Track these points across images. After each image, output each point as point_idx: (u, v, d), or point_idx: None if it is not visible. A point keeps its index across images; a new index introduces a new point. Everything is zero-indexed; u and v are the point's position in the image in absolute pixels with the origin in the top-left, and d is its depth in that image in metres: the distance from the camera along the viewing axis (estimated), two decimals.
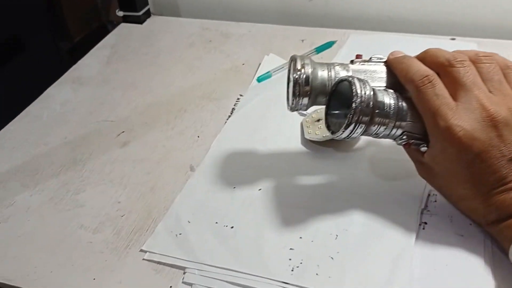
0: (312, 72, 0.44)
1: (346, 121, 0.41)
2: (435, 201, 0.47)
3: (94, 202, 0.52)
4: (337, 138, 0.43)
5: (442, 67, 0.41)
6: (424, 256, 0.42)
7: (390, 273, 0.41)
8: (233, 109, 0.64)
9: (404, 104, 0.42)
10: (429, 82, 0.40)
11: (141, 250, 0.46)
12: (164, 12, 0.91)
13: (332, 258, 0.43)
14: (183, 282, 0.43)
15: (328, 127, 0.45)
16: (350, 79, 0.41)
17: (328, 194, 0.50)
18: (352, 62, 0.46)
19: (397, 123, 0.42)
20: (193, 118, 0.63)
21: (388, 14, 0.81)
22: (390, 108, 0.41)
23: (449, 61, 0.41)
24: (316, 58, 0.73)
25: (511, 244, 0.38)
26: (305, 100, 0.45)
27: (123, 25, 0.87)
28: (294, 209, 0.48)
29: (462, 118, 0.39)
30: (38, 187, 0.55)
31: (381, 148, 0.54)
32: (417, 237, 0.44)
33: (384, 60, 0.46)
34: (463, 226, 0.44)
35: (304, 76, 0.44)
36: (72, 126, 0.63)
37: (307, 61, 0.45)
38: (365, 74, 0.45)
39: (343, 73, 0.45)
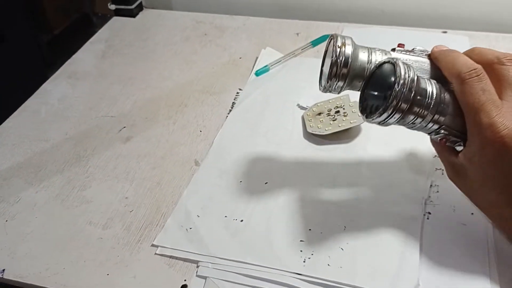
0: (352, 53, 0.41)
1: (385, 104, 0.38)
2: (437, 191, 0.49)
3: (101, 198, 0.52)
4: (371, 122, 0.41)
5: (490, 64, 0.40)
6: (429, 245, 0.44)
7: (399, 261, 0.43)
8: (233, 103, 0.64)
9: (446, 96, 0.40)
10: (476, 76, 0.38)
11: (153, 245, 0.47)
12: (156, 5, 0.90)
13: (342, 249, 0.44)
14: (197, 276, 0.44)
15: (363, 110, 0.42)
16: (395, 60, 0.39)
17: (333, 186, 0.51)
18: (393, 50, 0.44)
19: (436, 116, 0.39)
20: (194, 113, 0.63)
21: (381, 8, 0.82)
22: (432, 97, 0.39)
23: (499, 58, 0.40)
24: (312, 51, 0.74)
25: None
26: (341, 83, 0.42)
27: (115, 18, 0.87)
28: (301, 202, 0.49)
29: (506, 117, 0.37)
30: (43, 184, 0.54)
31: (384, 140, 0.55)
32: (422, 227, 0.46)
33: (427, 53, 0.44)
34: (465, 216, 0.46)
35: (343, 57, 0.41)
36: (72, 122, 0.63)
37: (348, 41, 0.42)
38: (410, 61, 0.42)
39: (384, 58, 0.42)
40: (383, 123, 0.40)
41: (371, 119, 0.40)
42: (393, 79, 0.38)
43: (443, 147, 0.43)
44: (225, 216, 0.49)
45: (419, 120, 0.40)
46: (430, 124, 0.40)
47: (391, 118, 0.39)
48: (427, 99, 0.39)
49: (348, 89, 0.44)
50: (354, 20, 0.81)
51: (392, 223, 0.46)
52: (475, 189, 0.41)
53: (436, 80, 0.41)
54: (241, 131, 0.59)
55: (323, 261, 0.43)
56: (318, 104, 0.60)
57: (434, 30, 0.77)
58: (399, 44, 0.44)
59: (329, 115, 0.58)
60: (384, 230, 0.46)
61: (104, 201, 0.52)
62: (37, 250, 0.47)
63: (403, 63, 0.39)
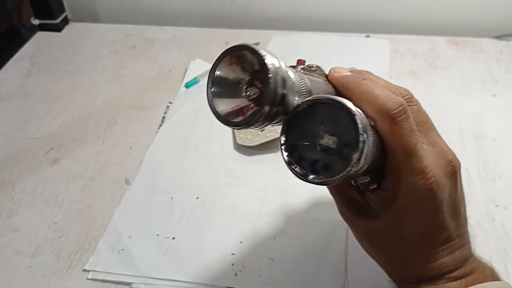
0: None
1: (348, 166, 0.30)
2: None
3: (29, 225, 0.51)
4: (316, 183, 0.31)
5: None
6: (354, 249, 0.45)
7: (326, 266, 0.45)
8: (163, 117, 0.64)
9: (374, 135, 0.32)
10: (405, 114, 0.32)
11: (84, 270, 0.46)
12: (82, 18, 0.89)
13: (272, 259, 0.46)
14: None
15: (290, 163, 0.32)
16: (345, 103, 0.30)
17: (264, 196, 0.52)
18: (294, 67, 0.35)
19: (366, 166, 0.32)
20: (124, 130, 0.63)
21: (308, 14, 0.84)
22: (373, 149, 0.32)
23: (403, 96, 0.35)
24: None
25: None
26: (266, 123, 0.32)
27: (40, 33, 0.84)
28: (232, 214, 0.50)
29: (432, 161, 0.33)
30: None
31: None
32: (347, 233, 0.47)
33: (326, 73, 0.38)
34: None
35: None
36: None
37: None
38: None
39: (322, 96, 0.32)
40: (331, 183, 0.31)
41: (319, 180, 0.31)
42: (354, 132, 0.30)
43: (345, 188, 0.38)
44: (157, 235, 0.49)
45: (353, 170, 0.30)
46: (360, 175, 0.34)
47: (343, 176, 0.30)
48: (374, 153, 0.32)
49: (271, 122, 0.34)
50: (281, 27, 0.83)
51: (319, 230, 0.48)
52: (382, 237, 0.36)
53: None
54: (172, 146, 0.60)
55: (254, 272, 0.44)
56: None
57: (358, 35, 0.80)
58: (298, 60, 0.37)
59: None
60: (312, 237, 0.47)
61: (33, 228, 0.51)
62: None
63: (355, 106, 0.31)
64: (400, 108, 0.32)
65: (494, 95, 0.66)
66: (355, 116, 0.30)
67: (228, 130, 0.61)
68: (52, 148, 0.60)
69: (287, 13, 0.85)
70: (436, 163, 0.33)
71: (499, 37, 0.78)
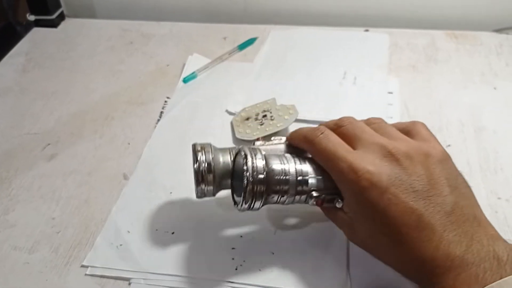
0: (213, 158, 0.43)
1: (242, 194, 0.40)
2: None
3: (26, 221, 0.50)
4: (241, 211, 0.42)
5: (334, 130, 0.42)
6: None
7: (328, 261, 0.44)
8: (161, 112, 0.64)
9: (305, 165, 0.41)
10: (322, 133, 0.41)
11: (82, 266, 0.46)
12: (79, 14, 0.88)
13: (273, 253, 0.45)
14: None
15: (234, 202, 0.44)
16: (241, 148, 0.41)
17: None
18: (253, 143, 0.46)
19: (299, 187, 0.41)
20: (121, 125, 0.62)
21: (306, 8, 0.84)
22: (286, 172, 0.40)
23: (337, 124, 0.43)
24: (239, 55, 0.74)
25: None
26: (210, 188, 0.43)
27: (35, 29, 0.84)
28: (232, 209, 0.49)
29: (363, 159, 0.38)
30: None
31: None
32: None
33: (284, 140, 0.46)
34: None
35: (206, 164, 0.42)
36: None
37: (207, 149, 0.44)
38: (267, 151, 0.44)
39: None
40: (251, 209, 0.41)
41: (239, 208, 0.42)
42: (244, 167, 0.40)
43: (330, 210, 0.43)
44: (156, 230, 0.48)
45: (284, 197, 0.41)
46: (298, 197, 0.41)
47: (255, 203, 0.40)
48: (282, 176, 0.40)
49: (222, 189, 0.45)
50: (280, 22, 0.82)
51: (321, 223, 0.47)
52: (367, 237, 0.39)
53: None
54: (170, 140, 0.59)
55: (255, 267, 0.44)
56: (246, 109, 0.61)
57: (357, 29, 0.79)
58: (257, 138, 0.49)
59: (256, 120, 0.59)
60: (314, 231, 0.47)
61: (30, 223, 0.50)
62: None
63: (250, 149, 0.41)
64: (317, 131, 0.41)
65: (495, 88, 0.65)
66: (245, 159, 0.40)
67: (227, 124, 0.61)
68: (49, 144, 0.60)
69: (286, 8, 0.84)
70: (369, 157, 0.38)
71: (499, 30, 0.78)
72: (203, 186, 0.43)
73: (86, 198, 0.53)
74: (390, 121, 0.59)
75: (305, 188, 0.41)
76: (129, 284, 0.44)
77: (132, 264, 0.45)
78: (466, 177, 0.52)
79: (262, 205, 0.41)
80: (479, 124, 0.60)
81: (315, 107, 0.62)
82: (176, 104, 0.64)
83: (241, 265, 0.44)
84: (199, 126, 0.61)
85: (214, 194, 0.45)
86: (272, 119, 0.58)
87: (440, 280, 0.34)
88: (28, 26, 0.84)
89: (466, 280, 0.32)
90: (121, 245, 0.47)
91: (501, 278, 0.31)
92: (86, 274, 0.45)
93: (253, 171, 0.39)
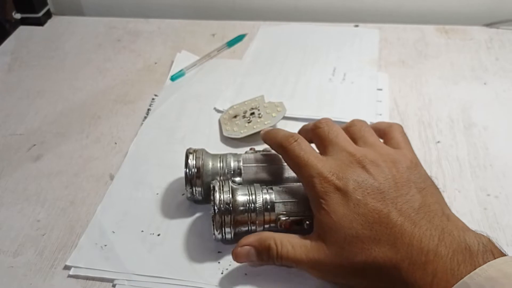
0: (202, 164, 0.47)
1: (212, 225, 0.43)
2: None
3: (10, 223, 0.50)
4: (217, 241, 0.45)
5: (311, 131, 0.45)
6: None
7: None
8: (148, 110, 0.63)
9: (272, 194, 0.43)
10: (295, 141, 0.43)
11: (66, 266, 0.45)
12: (66, 11, 0.87)
13: None
14: None
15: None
16: (213, 183, 0.44)
17: None
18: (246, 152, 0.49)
19: (267, 214, 0.43)
20: (108, 124, 0.61)
21: (295, 4, 0.83)
22: (253, 201, 0.43)
23: (315, 124, 0.45)
24: (228, 52, 0.73)
25: None
26: (199, 189, 0.47)
27: (21, 28, 0.82)
28: None
29: (331, 166, 0.40)
30: None
31: None
32: None
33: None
34: None
35: (195, 169, 0.47)
36: None
37: (198, 154, 0.47)
38: (258, 161, 0.48)
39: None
40: (224, 240, 0.44)
41: (214, 238, 0.44)
42: (212, 200, 0.43)
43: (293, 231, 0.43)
44: (142, 231, 0.47)
45: (254, 227, 0.43)
46: (267, 226, 0.43)
47: (225, 233, 0.43)
48: (247, 205, 0.43)
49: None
50: (269, 18, 0.81)
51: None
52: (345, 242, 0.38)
53: (283, 173, 0.47)
54: (156, 138, 0.58)
55: (241, 270, 0.43)
56: (234, 107, 0.60)
57: (347, 24, 0.79)
58: (250, 148, 0.50)
59: (244, 117, 0.58)
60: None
61: (14, 226, 0.49)
62: None
63: (220, 181, 0.44)
64: (290, 138, 0.43)
65: (485, 83, 0.65)
66: (213, 191, 0.43)
67: (214, 122, 0.60)
68: (34, 145, 0.59)
69: (275, 4, 0.84)
70: (337, 164, 0.40)
71: (489, 25, 0.77)
72: (192, 189, 0.47)
73: (72, 199, 0.52)
74: (379, 118, 0.59)
75: (272, 214, 0.43)
76: (113, 285, 0.43)
77: (116, 265, 0.44)
78: (456, 174, 0.52)
79: (234, 236, 0.43)
80: (469, 120, 0.59)
81: (304, 104, 0.62)
82: (163, 101, 0.64)
83: (226, 269, 0.44)
84: (186, 124, 0.60)
85: (203, 198, 0.48)
86: (260, 117, 0.57)
87: (416, 277, 0.33)
88: (17, 24, 0.83)
89: (443, 277, 0.32)
90: (105, 245, 0.46)
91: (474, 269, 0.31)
92: (69, 275, 0.44)
93: (219, 203, 0.42)
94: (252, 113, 0.58)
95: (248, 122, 0.57)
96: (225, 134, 0.57)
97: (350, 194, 0.38)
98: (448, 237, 0.34)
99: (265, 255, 0.41)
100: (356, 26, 0.78)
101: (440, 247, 0.34)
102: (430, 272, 0.33)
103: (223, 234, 0.43)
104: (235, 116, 0.59)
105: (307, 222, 0.42)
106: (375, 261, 0.36)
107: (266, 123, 0.56)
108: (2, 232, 0.49)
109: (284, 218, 0.43)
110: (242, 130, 0.56)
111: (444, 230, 0.35)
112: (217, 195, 0.43)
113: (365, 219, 0.37)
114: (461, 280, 0.31)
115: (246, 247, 0.41)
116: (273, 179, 0.47)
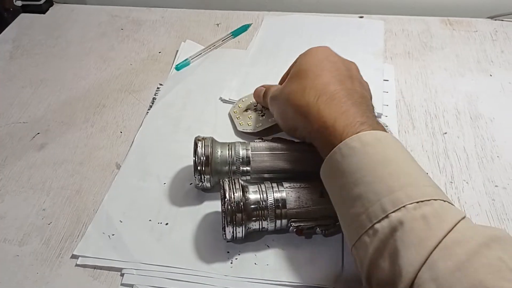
0: (211, 152, 0.47)
1: (222, 224, 0.42)
2: None
3: (16, 212, 0.49)
4: (227, 241, 0.44)
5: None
6: None
7: (322, 251, 0.44)
8: (153, 99, 0.62)
9: (284, 194, 0.43)
10: (262, 92, 0.54)
11: (73, 256, 0.45)
12: None
13: (268, 246, 0.44)
14: (122, 284, 0.42)
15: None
16: (221, 180, 0.43)
17: None
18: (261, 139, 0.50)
19: (278, 210, 0.43)
20: (113, 113, 0.61)
21: None
22: (264, 201, 0.42)
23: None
24: (233, 42, 0.73)
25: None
26: (208, 177, 0.47)
27: (23, 15, 0.81)
28: None
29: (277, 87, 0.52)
30: None
31: None
32: None
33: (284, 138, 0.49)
34: None
35: (203, 157, 0.47)
36: None
37: (207, 142, 0.47)
38: (267, 149, 0.47)
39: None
40: (235, 238, 0.43)
41: (225, 238, 0.43)
42: (221, 200, 0.42)
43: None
44: (149, 220, 0.47)
45: (265, 223, 0.43)
46: (279, 221, 0.43)
47: (236, 231, 0.42)
48: (260, 203, 0.43)
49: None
50: (273, 8, 0.81)
51: None
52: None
53: (295, 162, 0.46)
54: (162, 128, 0.58)
55: (250, 260, 0.43)
56: (243, 99, 0.60)
57: (351, 16, 0.78)
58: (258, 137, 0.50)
59: (256, 110, 0.57)
60: None
61: (20, 215, 0.49)
62: None
63: (229, 180, 0.43)
64: (259, 90, 0.55)
65: (491, 75, 0.65)
66: (223, 190, 0.42)
67: (221, 111, 0.60)
68: (38, 133, 0.58)
69: None
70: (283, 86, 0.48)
71: (493, 17, 0.77)
72: (201, 177, 0.47)
73: (77, 188, 0.51)
74: (386, 109, 0.59)
75: (283, 211, 0.42)
76: (121, 274, 0.43)
77: (124, 254, 0.44)
78: (463, 165, 0.52)
79: (245, 234, 0.43)
80: (475, 112, 0.59)
81: None
82: (168, 91, 0.63)
83: (236, 258, 0.43)
84: (192, 113, 0.60)
85: (211, 186, 0.47)
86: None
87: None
88: (16, 12, 0.82)
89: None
90: (113, 234, 0.46)
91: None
92: (77, 265, 0.44)
93: (230, 201, 0.42)
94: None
95: (262, 116, 0.56)
96: (239, 129, 0.56)
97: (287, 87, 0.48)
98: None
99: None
100: (361, 17, 0.77)
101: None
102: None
103: (234, 233, 0.42)
104: (246, 110, 0.58)
105: (320, 231, 0.43)
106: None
107: None
108: (7, 221, 0.48)
109: (296, 225, 0.43)
110: (257, 124, 0.55)
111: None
112: (227, 194, 0.42)
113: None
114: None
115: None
116: (282, 167, 0.47)
